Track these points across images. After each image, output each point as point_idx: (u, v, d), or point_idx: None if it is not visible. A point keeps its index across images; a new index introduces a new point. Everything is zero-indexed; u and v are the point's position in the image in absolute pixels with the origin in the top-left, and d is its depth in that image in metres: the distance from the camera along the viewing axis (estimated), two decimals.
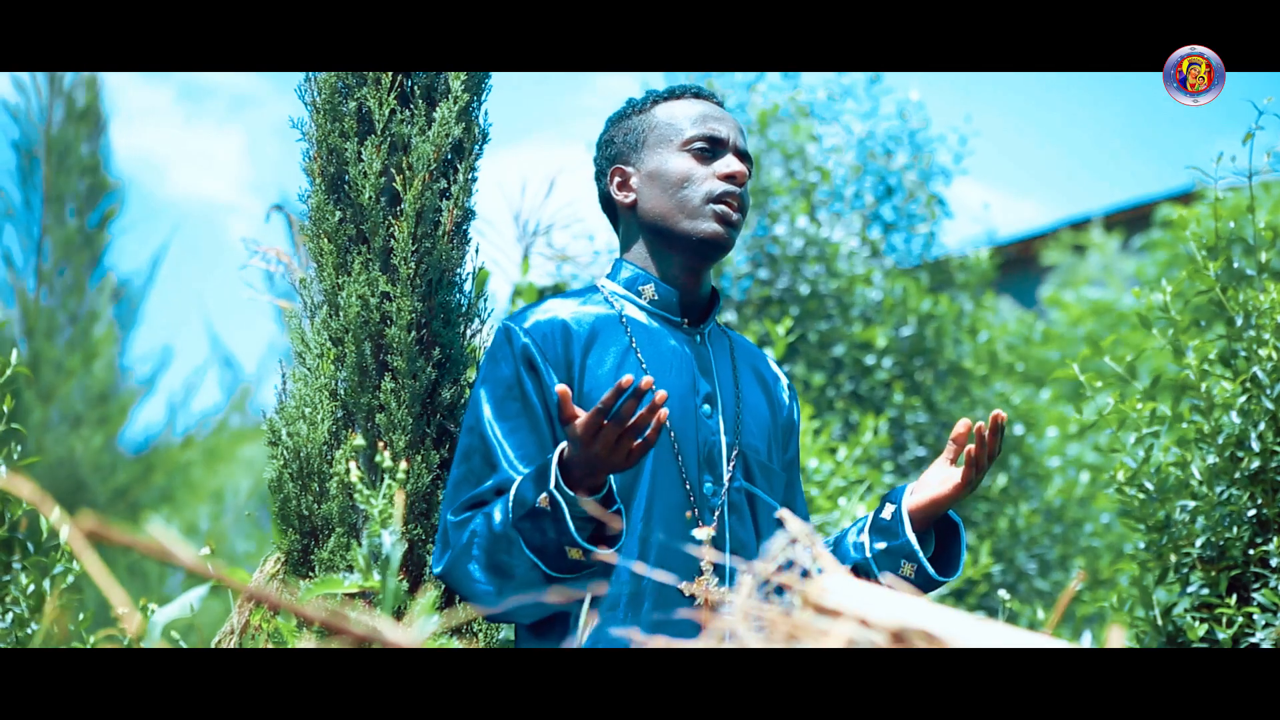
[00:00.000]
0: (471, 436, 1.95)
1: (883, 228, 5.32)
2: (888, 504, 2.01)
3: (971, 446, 1.93)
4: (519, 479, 1.85)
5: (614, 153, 2.10)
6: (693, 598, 1.90)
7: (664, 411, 1.73)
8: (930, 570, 1.97)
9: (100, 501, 7.35)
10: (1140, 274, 6.78)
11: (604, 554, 1.79)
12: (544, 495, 1.77)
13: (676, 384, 1.99)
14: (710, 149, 2.03)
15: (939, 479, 1.99)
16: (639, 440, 1.74)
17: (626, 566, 1.88)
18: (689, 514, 1.94)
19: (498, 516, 1.84)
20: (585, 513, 1.78)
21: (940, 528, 2.05)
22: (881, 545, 1.99)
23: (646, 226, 2.05)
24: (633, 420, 1.72)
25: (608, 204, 2.13)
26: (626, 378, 1.70)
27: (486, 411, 1.94)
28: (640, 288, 2.05)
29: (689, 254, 2.02)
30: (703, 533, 1.86)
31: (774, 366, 2.19)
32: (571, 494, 1.77)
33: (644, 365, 1.98)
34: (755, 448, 2.04)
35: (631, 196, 2.06)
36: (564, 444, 1.79)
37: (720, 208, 2.00)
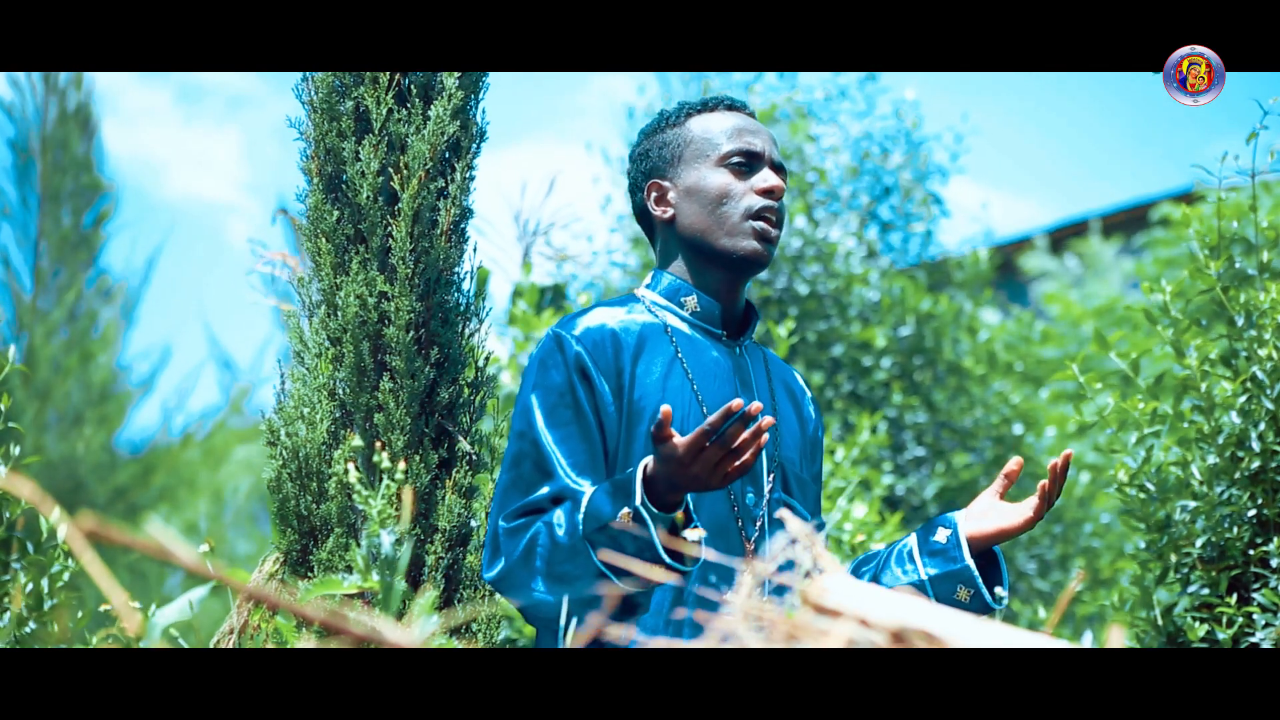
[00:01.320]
0: (523, 442, 1.94)
1: (880, 227, 5.32)
2: (941, 528, 2.02)
3: (1045, 483, 1.95)
4: (590, 491, 1.85)
5: (649, 167, 2.10)
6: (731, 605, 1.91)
7: (765, 437, 1.75)
8: (988, 597, 1.98)
9: (100, 501, 7.35)
10: (1140, 273, 6.77)
11: (686, 570, 1.81)
12: (626, 510, 1.78)
13: (720, 395, 2.00)
14: (747, 163, 2.04)
15: (1004, 511, 2.00)
16: (738, 463, 1.75)
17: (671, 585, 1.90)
18: (737, 524, 1.96)
19: (562, 527, 1.84)
20: (666, 529, 1.79)
21: (981, 556, 2.06)
22: (935, 570, 2.00)
23: (685, 242, 2.06)
24: (738, 443, 1.74)
25: (643, 216, 2.13)
26: (736, 401, 1.71)
27: (539, 418, 1.94)
28: (683, 299, 2.06)
29: (728, 269, 2.04)
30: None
31: (801, 381, 2.22)
32: (657, 511, 1.78)
33: (690, 376, 2.00)
34: (791, 459, 2.07)
35: (670, 212, 2.07)
36: (649, 459, 1.80)
37: (759, 224, 2.01)
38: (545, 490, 1.90)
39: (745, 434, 1.74)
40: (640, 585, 1.83)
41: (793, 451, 2.08)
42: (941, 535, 2.01)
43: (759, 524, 1.98)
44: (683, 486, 1.78)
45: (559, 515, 1.85)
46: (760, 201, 2.02)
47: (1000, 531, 1.99)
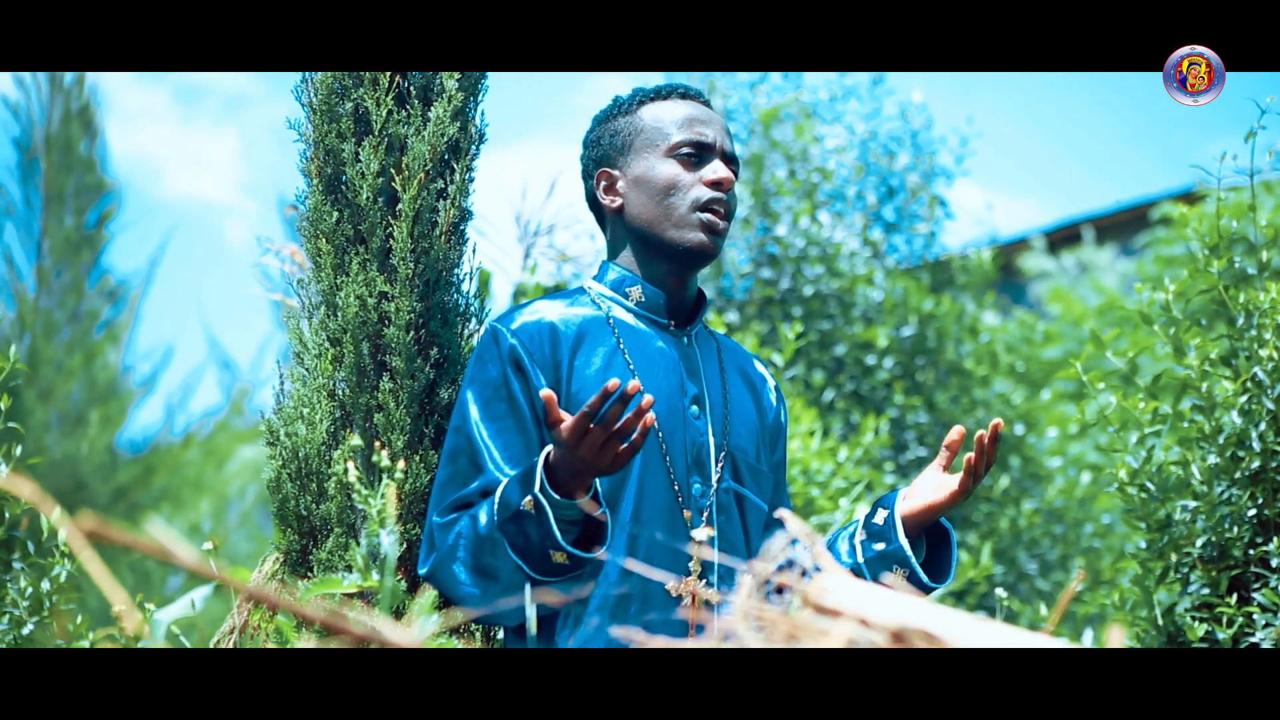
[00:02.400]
0: (458, 437, 1.95)
1: (884, 228, 5.32)
2: (880, 509, 2.01)
3: (971, 455, 1.92)
4: (505, 481, 1.85)
5: (600, 154, 2.09)
6: (679, 597, 1.90)
7: (650, 416, 1.73)
8: (922, 576, 1.97)
9: (101, 501, 7.36)
10: (1141, 272, 6.77)
11: (588, 557, 1.80)
12: (529, 498, 1.77)
13: (664, 385, 1.99)
14: (697, 154, 2.03)
15: (934, 485, 1.98)
16: (625, 445, 1.74)
17: (615, 567, 1.88)
18: (686, 514, 1.94)
19: (483, 519, 1.84)
20: (570, 516, 1.79)
21: (931, 534, 2.05)
22: (874, 550, 1.98)
23: (633, 232, 2.05)
24: (619, 424, 1.72)
25: (594, 205, 2.13)
26: (613, 382, 1.70)
27: (473, 412, 1.94)
28: (627, 290, 2.05)
29: (675, 261, 2.03)
30: (702, 533, 1.86)
31: (761, 369, 2.19)
32: (556, 497, 1.77)
33: (631, 366, 1.98)
34: (743, 449, 2.04)
35: (618, 201, 2.06)
36: (550, 447, 1.79)
37: (706, 216, 2.00)
38: (476, 484, 1.90)
39: (627, 415, 1.72)
40: (557, 576, 1.81)
41: (746, 440, 2.05)
42: (880, 516, 2.00)
43: (705, 514, 1.96)
44: (579, 471, 1.76)
45: (483, 508, 1.85)
46: (708, 193, 2.00)
47: (929, 506, 1.97)
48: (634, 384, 1.71)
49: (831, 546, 2.06)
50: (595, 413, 1.72)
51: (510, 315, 2.00)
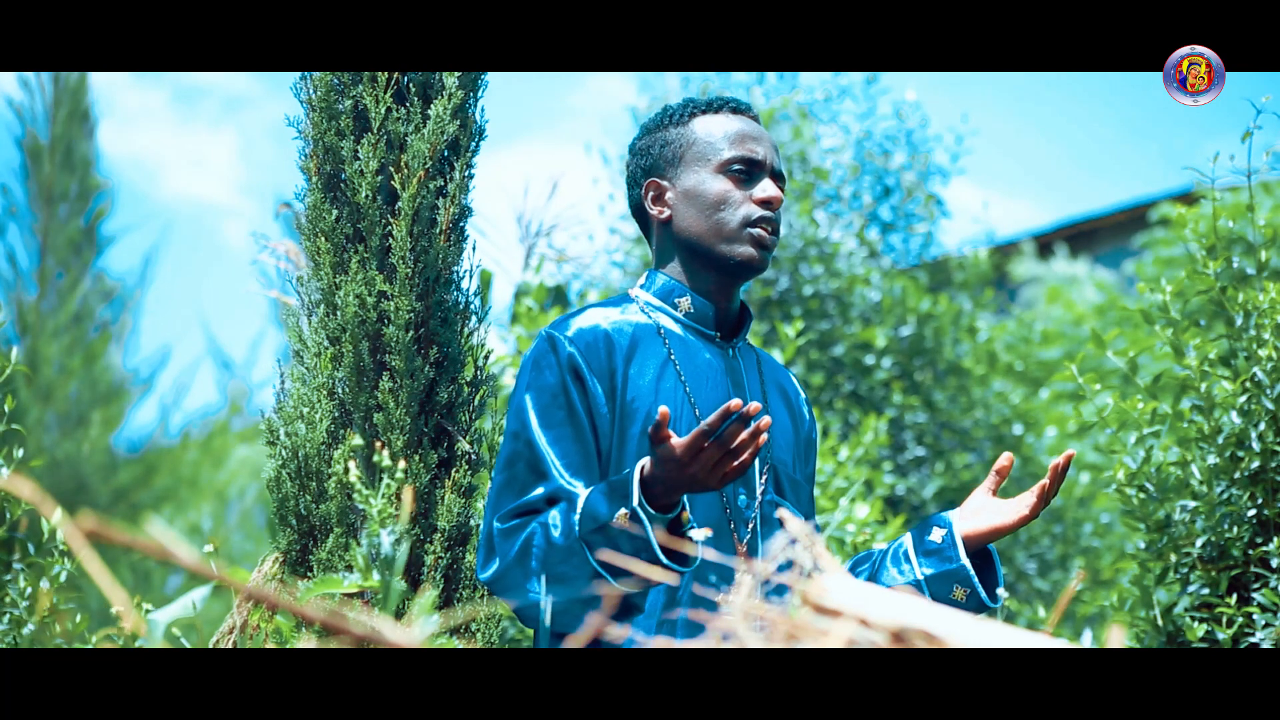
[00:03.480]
0: (517, 443, 1.95)
1: (880, 228, 5.33)
2: (935, 528, 2.02)
3: (1045, 482, 1.95)
4: (587, 491, 1.86)
5: (649, 164, 2.09)
6: (725, 605, 1.91)
7: (764, 437, 1.75)
8: (984, 595, 1.98)
9: (101, 501, 7.35)
10: (1141, 273, 6.78)
11: (683, 570, 1.81)
12: (623, 511, 1.78)
13: (712, 397, 2.00)
14: (747, 171, 2.03)
15: (998, 508, 2.00)
16: (736, 464, 1.76)
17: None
18: (729, 525, 1.96)
19: (558, 527, 1.84)
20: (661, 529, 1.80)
21: (976, 555, 2.06)
22: (931, 569, 1.99)
23: (681, 244, 2.05)
24: (736, 443, 1.74)
25: (639, 212, 2.13)
26: (735, 401, 1.72)
27: (532, 419, 1.94)
28: (676, 300, 2.06)
29: (723, 274, 2.04)
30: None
31: (795, 383, 2.22)
32: (655, 512, 1.78)
33: (682, 377, 2.00)
34: (784, 461, 2.07)
35: (666, 212, 2.06)
36: (644, 461, 1.80)
37: (757, 232, 2.01)
38: (540, 491, 1.90)
39: (744, 434, 1.74)
40: (637, 586, 1.83)
41: (785, 453, 2.08)
42: (937, 535, 2.01)
43: (751, 525, 1.98)
44: (680, 487, 1.78)
45: (554, 516, 1.85)
46: (759, 212, 2.01)
47: (995, 529, 1.99)
48: (754, 405, 1.73)
49: (878, 564, 2.07)
50: (714, 431, 1.73)
51: (565, 323, 2.01)
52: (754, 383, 2.10)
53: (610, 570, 1.80)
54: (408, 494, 1.41)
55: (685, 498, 1.85)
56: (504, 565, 1.88)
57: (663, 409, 1.75)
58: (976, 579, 1.97)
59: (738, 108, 2.10)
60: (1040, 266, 9.18)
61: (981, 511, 2.01)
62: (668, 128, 2.10)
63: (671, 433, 1.76)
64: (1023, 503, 1.97)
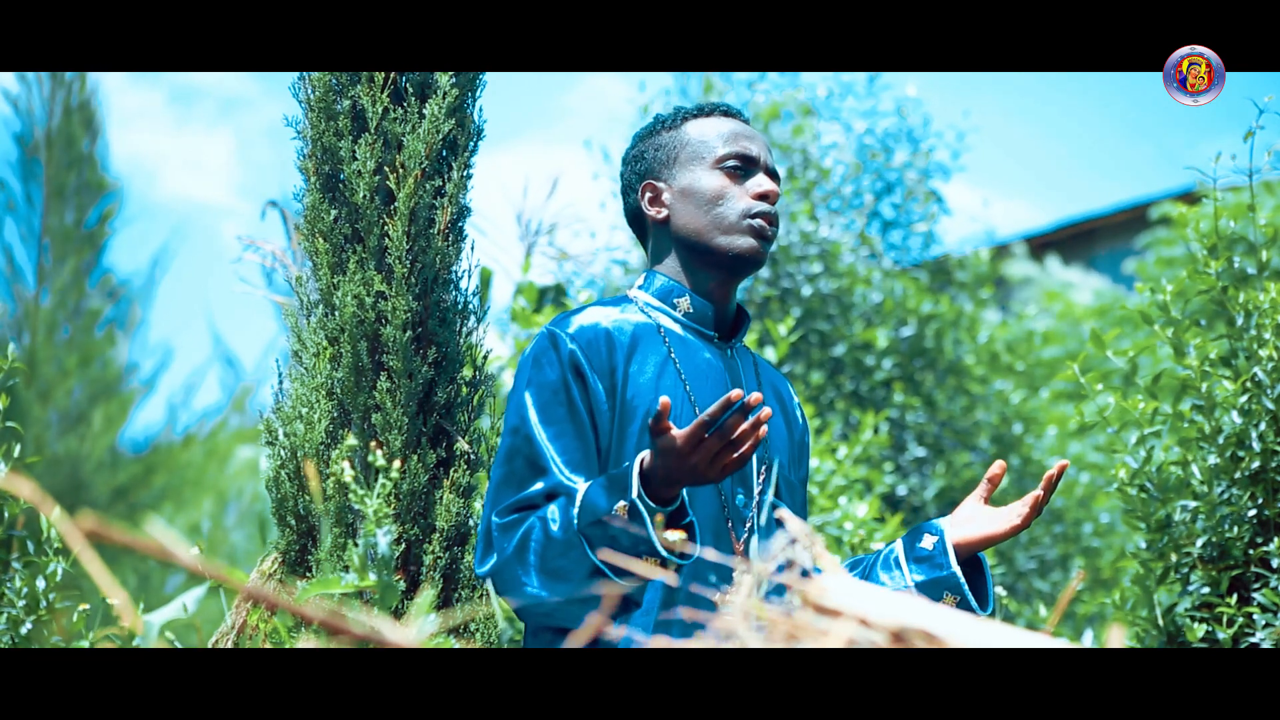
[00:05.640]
0: (516, 438, 1.95)
1: (881, 226, 5.32)
2: (927, 535, 2.02)
3: (1038, 492, 1.95)
4: (586, 485, 1.86)
5: (644, 168, 2.10)
6: (722, 604, 1.91)
7: (764, 429, 1.75)
8: (974, 603, 1.98)
9: (101, 501, 7.35)
10: (1142, 272, 6.78)
11: (682, 562, 1.81)
12: (622, 504, 1.78)
13: (712, 396, 2.01)
14: (743, 167, 2.05)
15: (990, 517, 2.00)
16: (736, 454, 1.75)
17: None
18: (727, 524, 1.96)
19: (557, 522, 1.84)
20: (661, 522, 1.80)
21: (965, 563, 2.06)
22: (922, 576, 2.00)
23: (680, 242, 2.06)
24: (737, 434, 1.74)
25: (636, 218, 2.13)
26: (736, 391, 1.72)
27: (532, 415, 1.94)
28: (675, 300, 2.06)
29: (723, 269, 2.04)
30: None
31: (789, 387, 2.24)
32: (654, 504, 1.78)
33: (683, 376, 2.00)
34: (780, 463, 2.06)
35: (664, 212, 2.07)
36: (645, 453, 1.80)
37: (756, 222, 2.02)
38: (539, 486, 1.90)
39: (745, 425, 1.74)
40: (636, 581, 1.83)
41: (782, 455, 2.08)
42: (928, 541, 2.01)
43: (748, 525, 1.98)
44: (679, 480, 1.78)
45: (553, 510, 1.85)
46: (756, 205, 2.02)
47: (986, 538, 1.99)
48: (755, 395, 1.73)
49: (865, 566, 2.07)
50: (715, 421, 1.73)
51: (566, 320, 2.01)
52: (752, 383, 2.10)
53: (609, 565, 1.80)
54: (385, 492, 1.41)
55: (682, 496, 1.85)
56: (501, 560, 1.88)
57: (664, 399, 1.74)
58: (967, 586, 1.97)
59: (729, 111, 2.12)
60: (1034, 269, 9.19)
61: (973, 520, 2.01)
62: (660, 133, 2.11)
63: (671, 424, 1.76)
64: (1014, 512, 1.97)
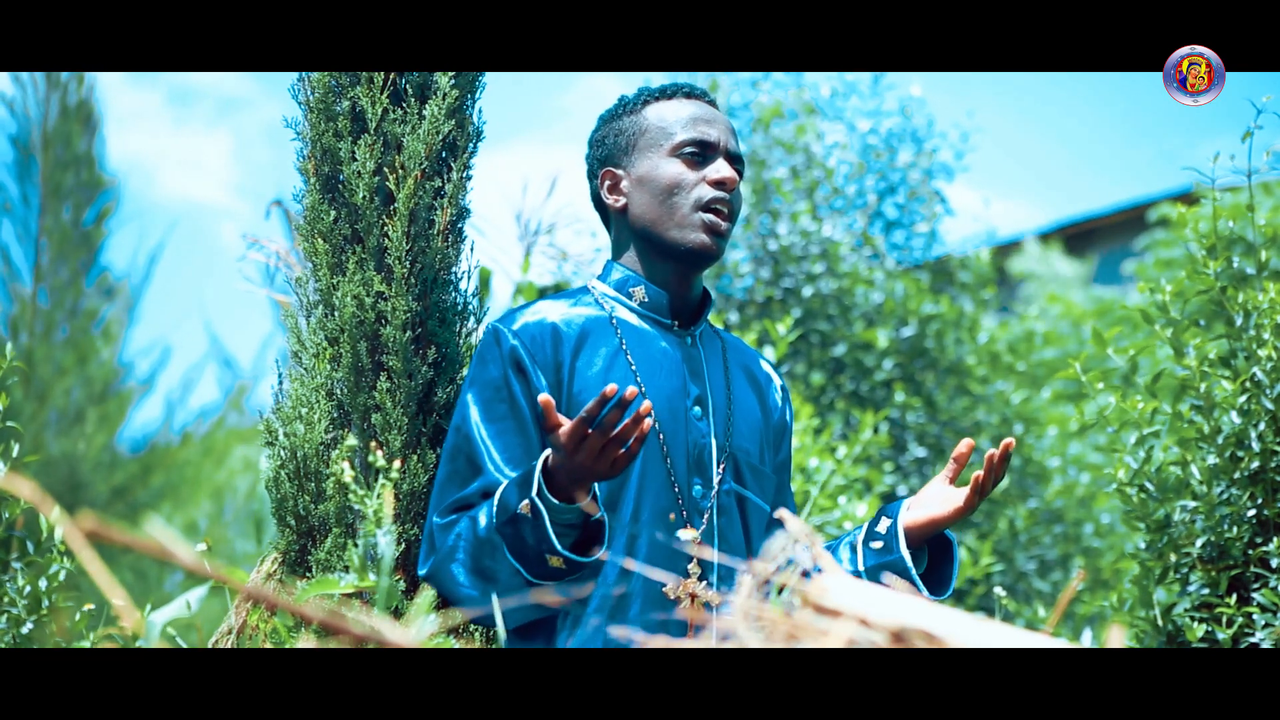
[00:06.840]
0: (458, 437, 1.94)
1: (884, 226, 5.32)
2: (884, 518, 2.00)
3: (979, 473, 1.92)
4: (504, 484, 1.84)
5: (604, 154, 2.09)
6: (678, 599, 1.89)
7: (648, 422, 1.71)
8: (922, 588, 1.96)
9: (100, 500, 7.35)
10: (1142, 273, 6.78)
11: (584, 561, 1.79)
12: (525, 502, 1.77)
13: (666, 386, 1.98)
14: (701, 153, 2.02)
15: (939, 499, 1.98)
16: (623, 450, 1.73)
17: (614, 568, 1.87)
18: (672, 516, 1.93)
19: (482, 521, 1.83)
20: (568, 520, 1.78)
21: (934, 546, 2.05)
22: (874, 559, 1.98)
23: (636, 232, 2.04)
24: (617, 430, 1.71)
25: (599, 204, 2.13)
26: (611, 387, 1.68)
27: (473, 413, 1.94)
28: (631, 290, 2.04)
29: (677, 262, 2.02)
30: (688, 534, 1.85)
31: (767, 367, 2.18)
32: (554, 501, 1.76)
33: (634, 367, 1.97)
34: (746, 450, 2.03)
35: (622, 200, 2.06)
36: (549, 451, 1.78)
37: (709, 217, 1.99)
38: (476, 485, 1.89)
39: (626, 421, 1.71)
40: (552, 583, 1.81)
41: (749, 441, 2.04)
42: (883, 525, 2.00)
43: (706, 516, 1.96)
44: (579, 477, 1.75)
45: (483, 510, 1.84)
46: (711, 193, 1.99)
47: (933, 520, 1.97)
48: (632, 389, 1.69)
49: (833, 550, 2.06)
50: (593, 418, 1.70)
51: (512, 315, 2.00)
52: (716, 369, 2.06)
53: (524, 563, 1.79)
54: (388, 493, 1.41)
55: (633, 489, 1.84)
56: (437, 560, 1.88)
57: (543, 396, 1.71)
58: (913, 571, 1.95)
59: (691, 93, 2.09)
60: (1038, 263, 9.18)
61: (931, 502, 1.98)
62: (622, 117, 2.09)
63: (562, 419, 1.73)
64: (959, 495, 1.95)
